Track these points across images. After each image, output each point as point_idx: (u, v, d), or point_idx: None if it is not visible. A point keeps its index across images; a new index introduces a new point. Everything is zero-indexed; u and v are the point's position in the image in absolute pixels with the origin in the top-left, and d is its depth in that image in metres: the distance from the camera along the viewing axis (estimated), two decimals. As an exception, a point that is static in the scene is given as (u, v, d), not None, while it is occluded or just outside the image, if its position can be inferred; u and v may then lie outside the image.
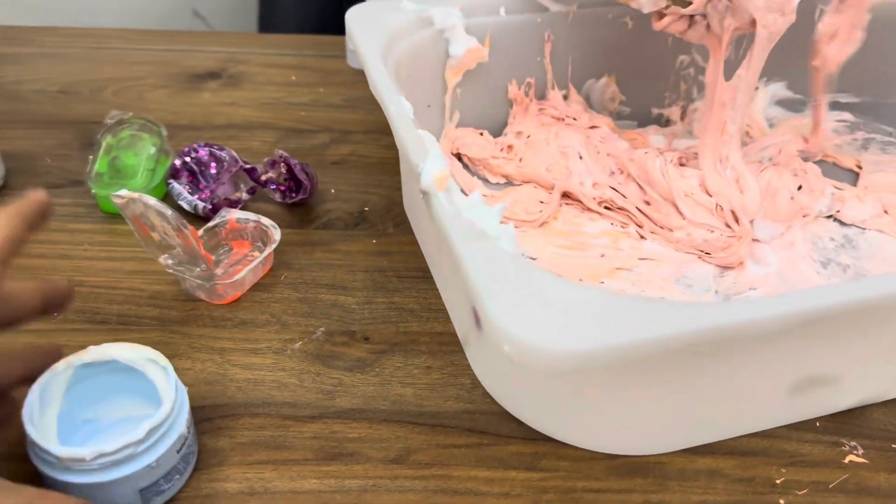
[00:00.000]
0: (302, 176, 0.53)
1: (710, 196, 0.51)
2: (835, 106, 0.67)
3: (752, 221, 0.52)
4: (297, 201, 0.54)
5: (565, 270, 0.49)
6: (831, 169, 0.60)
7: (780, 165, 0.55)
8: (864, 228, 0.54)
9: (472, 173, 0.58)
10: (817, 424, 0.42)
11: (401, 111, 0.43)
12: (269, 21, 1.08)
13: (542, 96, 0.61)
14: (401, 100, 0.44)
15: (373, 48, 0.49)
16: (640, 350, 0.29)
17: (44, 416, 0.35)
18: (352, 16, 0.53)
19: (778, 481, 0.39)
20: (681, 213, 0.52)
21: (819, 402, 0.41)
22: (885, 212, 0.55)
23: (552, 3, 0.58)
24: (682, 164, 0.55)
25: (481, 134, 0.60)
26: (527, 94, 0.61)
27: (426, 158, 0.38)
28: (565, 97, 0.61)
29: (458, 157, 0.59)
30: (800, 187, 0.54)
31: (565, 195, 0.55)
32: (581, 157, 0.57)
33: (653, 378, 0.36)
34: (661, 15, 0.50)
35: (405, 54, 0.52)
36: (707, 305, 0.31)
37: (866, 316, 0.36)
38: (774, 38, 0.48)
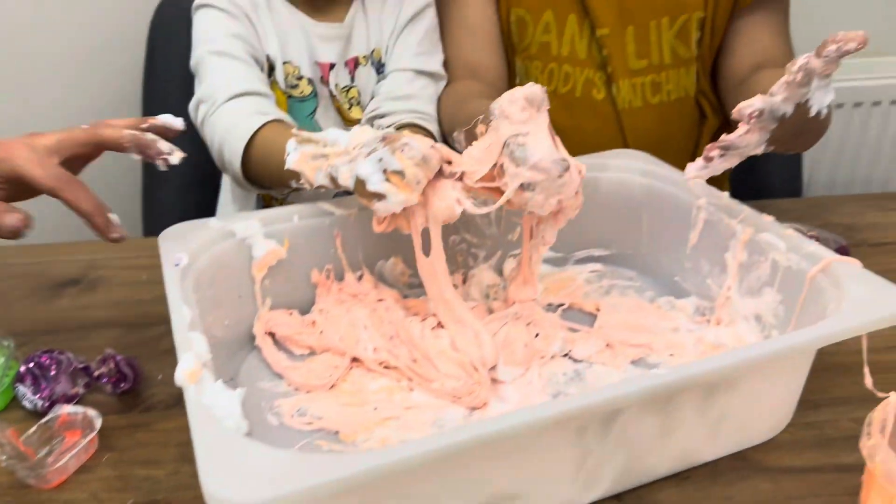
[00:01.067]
0: (126, 369, 0.64)
1: (457, 352, 0.64)
2: (589, 259, 0.82)
3: (494, 368, 0.64)
4: (125, 390, 0.65)
5: (344, 425, 0.61)
6: (577, 314, 0.74)
7: (521, 318, 0.69)
8: (591, 363, 0.67)
9: (280, 348, 0.70)
10: (523, 532, 0.52)
11: (180, 317, 0.55)
12: (151, 215, 1.22)
13: (341, 278, 0.75)
14: (182, 307, 0.56)
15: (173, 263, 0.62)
16: (306, 496, 0.40)
17: None
18: (164, 235, 0.66)
19: (482, 583, 0.49)
20: (436, 368, 0.64)
21: (516, 515, 0.52)
22: (608, 346, 0.68)
23: (336, 209, 0.72)
24: (441, 327, 0.68)
25: (290, 314, 0.73)
26: (328, 278, 0.74)
27: (182, 358, 0.50)
28: (360, 278, 0.75)
29: (272, 335, 0.71)
30: (537, 335, 0.68)
31: (354, 359, 0.68)
32: (366, 327, 0.69)
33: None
34: (380, 220, 0.65)
35: (209, 261, 0.65)
36: (354, 455, 0.42)
37: (511, 442, 0.48)
38: (437, 221, 0.63)
